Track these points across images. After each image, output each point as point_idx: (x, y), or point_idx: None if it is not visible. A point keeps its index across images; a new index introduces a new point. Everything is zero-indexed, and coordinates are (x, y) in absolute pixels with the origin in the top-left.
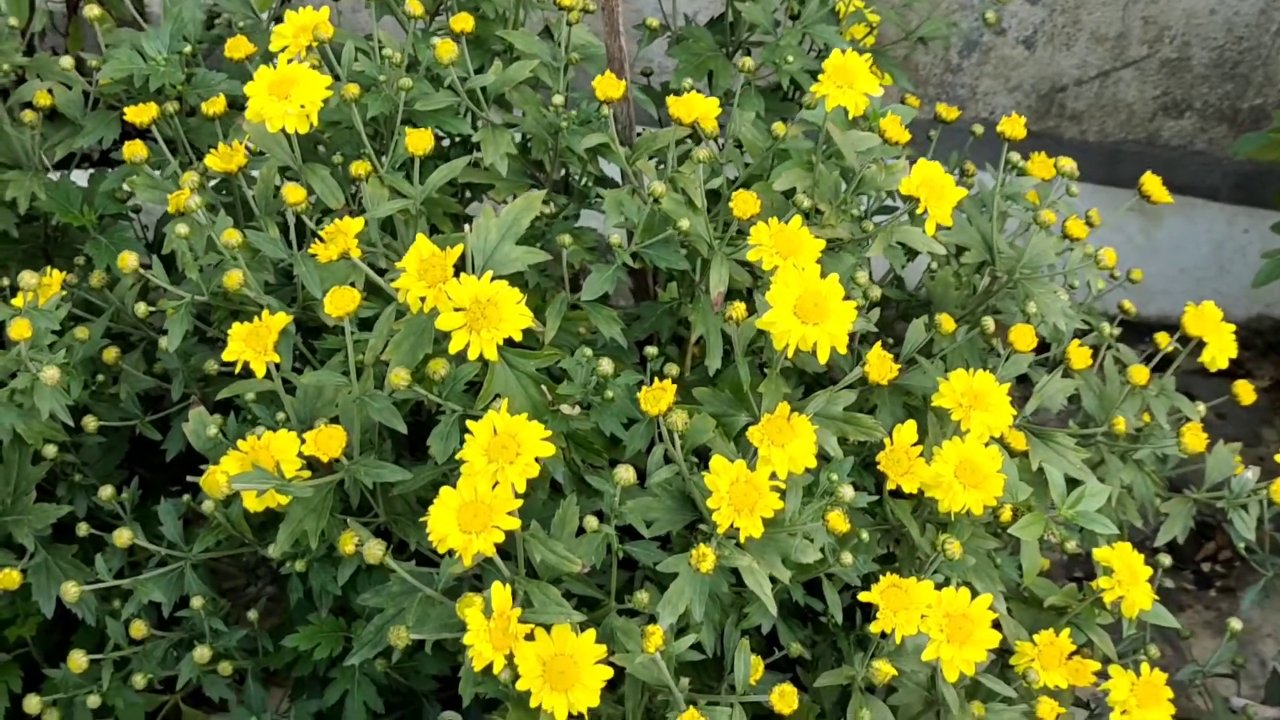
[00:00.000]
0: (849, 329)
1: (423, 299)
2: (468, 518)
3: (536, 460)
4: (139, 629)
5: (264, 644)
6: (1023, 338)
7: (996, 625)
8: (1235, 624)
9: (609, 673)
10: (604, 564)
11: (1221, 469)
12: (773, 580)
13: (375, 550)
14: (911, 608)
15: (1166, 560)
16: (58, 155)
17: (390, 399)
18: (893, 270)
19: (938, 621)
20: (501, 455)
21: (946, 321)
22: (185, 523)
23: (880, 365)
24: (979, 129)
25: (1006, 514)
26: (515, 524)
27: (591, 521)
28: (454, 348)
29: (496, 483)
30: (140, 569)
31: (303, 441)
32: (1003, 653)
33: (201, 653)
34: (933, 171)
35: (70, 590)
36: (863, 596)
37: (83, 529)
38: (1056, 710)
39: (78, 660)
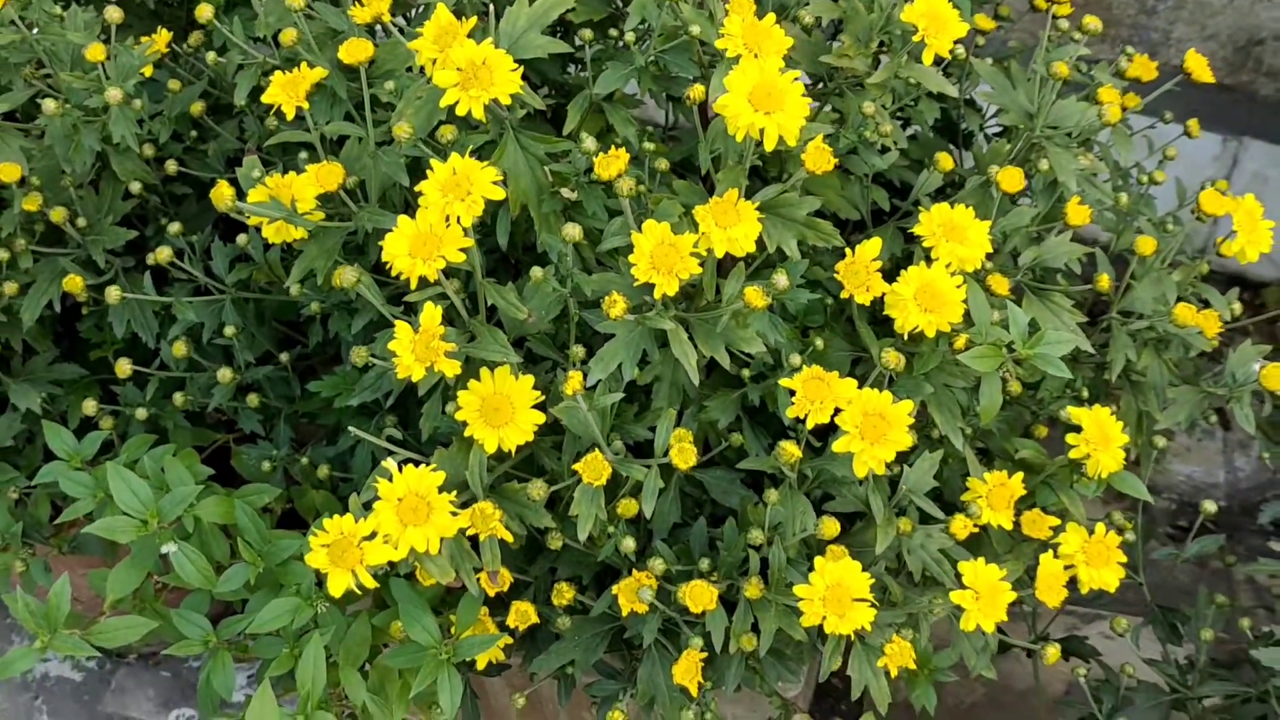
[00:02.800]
0: (801, 123)
1: (434, 61)
2: (418, 245)
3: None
4: (179, 348)
5: (295, 389)
6: (1009, 179)
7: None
8: (1209, 506)
9: (541, 417)
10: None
11: (1243, 367)
12: (734, 382)
13: (349, 275)
14: (829, 399)
15: (1161, 442)
16: None
17: (400, 156)
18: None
19: (854, 417)
20: (454, 191)
21: (945, 160)
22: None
23: (818, 155)
24: None
25: (961, 341)
26: (461, 258)
27: (537, 271)
28: (444, 102)
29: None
30: None
31: None
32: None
33: (224, 373)
34: (938, 2)
35: (113, 294)
36: (783, 382)
37: (153, 257)
38: (969, 528)
39: (124, 367)
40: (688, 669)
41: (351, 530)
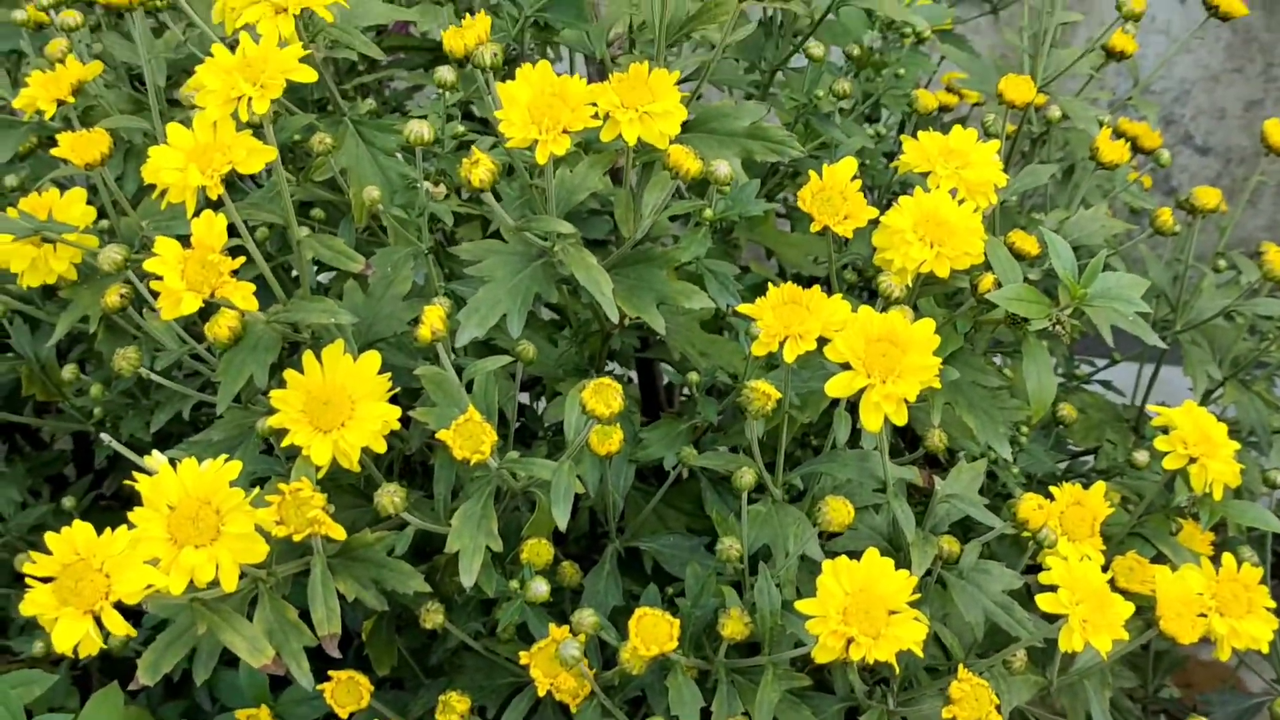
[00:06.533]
0: None
1: None
2: (197, 156)
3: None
4: None
5: None
6: (1016, 88)
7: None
8: None
9: (394, 411)
10: None
11: None
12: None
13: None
14: (810, 325)
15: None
16: None
17: None
18: None
19: (852, 345)
20: (245, 73)
21: (925, 98)
22: None
23: None
24: None
25: (987, 282)
26: (257, 165)
27: (374, 192)
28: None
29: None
30: None
31: None
32: None
33: None
34: None
35: None
36: (741, 308)
37: None
38: (1045, 511)
39: None
40: None
41: (91, 549)
